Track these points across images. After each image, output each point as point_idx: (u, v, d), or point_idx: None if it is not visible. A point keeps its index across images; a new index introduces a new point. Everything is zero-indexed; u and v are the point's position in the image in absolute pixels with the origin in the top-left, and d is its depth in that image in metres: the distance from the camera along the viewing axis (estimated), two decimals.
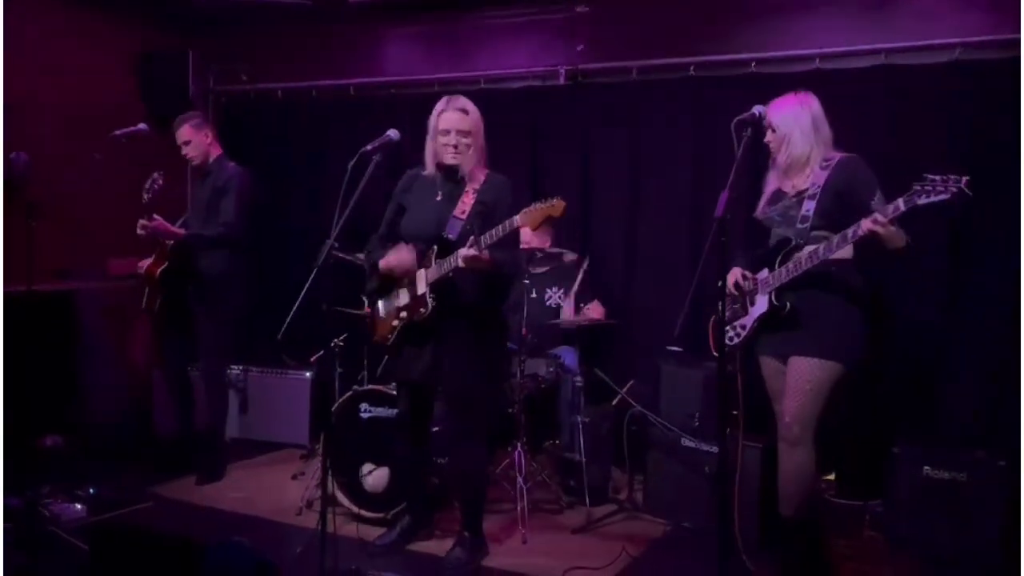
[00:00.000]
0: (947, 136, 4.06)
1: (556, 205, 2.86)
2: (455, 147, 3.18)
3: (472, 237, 3.00)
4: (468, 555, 3.33)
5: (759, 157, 3.12)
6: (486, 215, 3.14)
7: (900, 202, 2.65)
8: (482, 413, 3.34)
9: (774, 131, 3.05)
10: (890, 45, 4.16)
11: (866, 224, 2.75)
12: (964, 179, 2.53)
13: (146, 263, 4.31)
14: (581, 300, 4.56)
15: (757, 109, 2.71)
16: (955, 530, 3.43)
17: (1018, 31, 3.89)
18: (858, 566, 3.36)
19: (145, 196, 4.09)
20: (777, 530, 3.32)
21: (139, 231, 4.10)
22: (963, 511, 3.42)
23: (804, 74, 4.19)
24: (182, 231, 4.18)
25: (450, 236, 3.14)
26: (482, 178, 3.22)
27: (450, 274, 3.08)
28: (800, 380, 2.99)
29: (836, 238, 2.85)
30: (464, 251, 2.98)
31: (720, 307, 3.19)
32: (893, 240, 2.77)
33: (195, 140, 4.31)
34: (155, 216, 4.08)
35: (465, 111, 3.19)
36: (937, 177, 2.55)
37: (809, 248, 2.95)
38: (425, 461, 3.56)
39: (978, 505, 3.41)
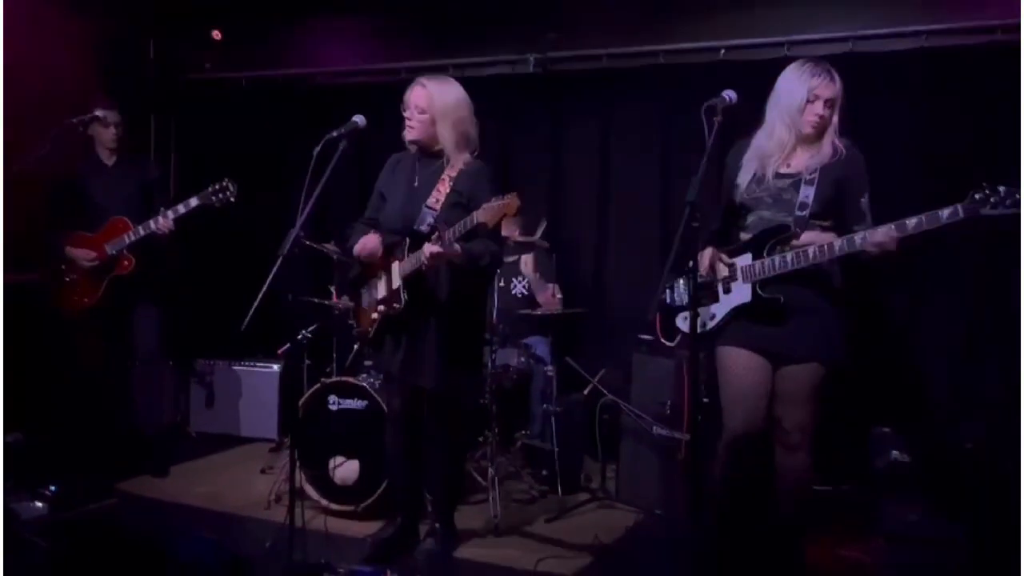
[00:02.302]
0: (913, 124, 4.10)
1: (510, 203, 2.79)
2: (408, 121, 3.11)
3: (436, 234, 2.93)
4: (440, 547, 3.29)
5: (727, 142, 3.07)
6: (462, 205, 3.04)
7: (959, 208, 2.50)
8: (458, 409, 3.28)
9: (830, 105, 2.82)
10: (858, 32, 4.18)
11: (882, 233, 2.61)
12: None
13: (92, 255, 4.14)
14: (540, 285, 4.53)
15: (727, 94, 2.62)
16: (923, 512, 3.46)
17: (986, 18, 3.93)
18: (831, 550, 3.38)
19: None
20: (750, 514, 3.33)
21: (166, 230, 3.99)
22: (931, 494, 3.46)
23: (774, 61, 4.19)
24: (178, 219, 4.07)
25: (421, 228, 3.07)
26: (460, 165, 3.10)
27: (422, 268, 2.99)
28: (802, 388, 2.85)
29: (840, 242, 2.70)
30: (429, 247, 2.90)
31: (677, 292, 3.09)
32: (892, 255, 2.66)
33: (122, 127, 4.24)
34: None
35: (423, 85, 3.09)
36: (1000, 188, 2.43)
37: (809, 239, 2.77)
38: (419, 466, 3.36)
39: (948, 487, 3.44)
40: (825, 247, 2.73)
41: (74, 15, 5.17)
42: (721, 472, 2.93)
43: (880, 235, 2.64)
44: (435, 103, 3.08)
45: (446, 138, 3.09)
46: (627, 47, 4.68)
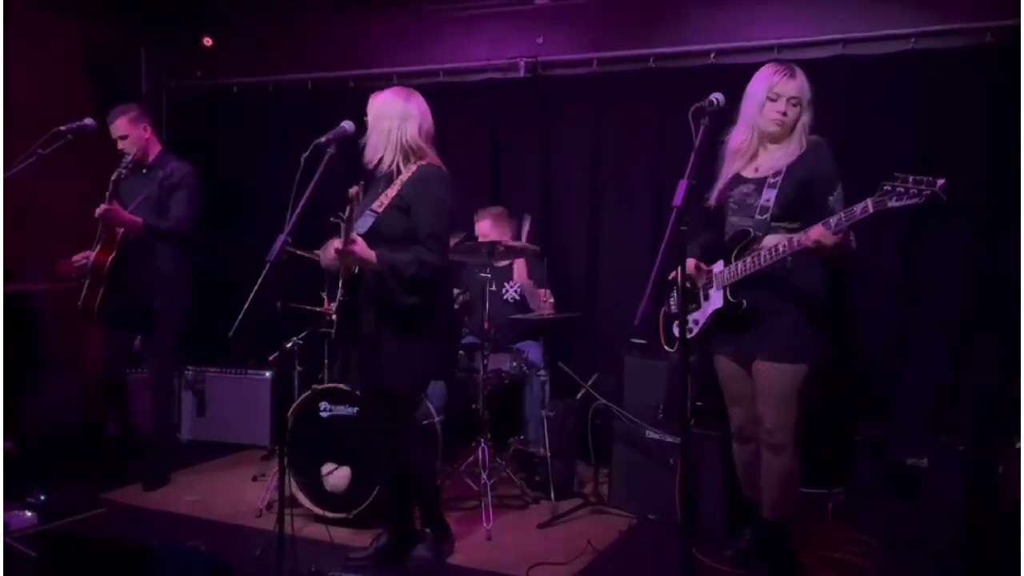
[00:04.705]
0: (903, 126, 4.10)
1: (352, 192, 2.83)
2: None
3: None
4: (432, 552, 3.25)
5: (716, 146, 3.07)
6: (401, 209, 3.02)
7: (869, 203, 2.53)
8: (402, 408, 3.19)
9: (794, 104, 2.87)
10: (848, 35, 4.18)
11: (813, 234, 2.68)
12: (940, 182, 2.41)
13: (85, 256, 4.13)
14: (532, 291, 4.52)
15: (715, 97, 2.60)
16: (917, 515, 3.46)
17: (976, 21, 3.94)
18: (822, 552, 3.37)
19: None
20: (742, 518, 3.33)
21: (97, 214, 3.95)
22: (924, 496, 3.46)
23: (763, 65, 4.19)
24: (139, 220, 4.05)
25: (360, 230, 3.04)
26: (413, 169, 3.07)
27: (354, 269, 3.01)
28: (774, 387, 2.89)
29: (789, 241, 2.77)
30: (333, 244, 2.91)
31: (674, 299, 3.18)
32: (838, 249, 2.70)
33: (132, 135, 4.19)
34: (112, 201, 3.95)
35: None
36: (910, 177, 2.43)
37: (769, 243, 2.83)
38: (403, 473, 3.31)
39: (939, 489, 3.45)
40: (773, 249, 2.79)
41: (62, 21, 5.17)
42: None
43: (813, 233, 2.69)
44: (370, 116, 3.11)
45: (376, 148, 3.08)
46: (617, 51, 4.69)
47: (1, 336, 3.73)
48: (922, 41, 4.06)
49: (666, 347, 3.28)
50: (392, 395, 3.14)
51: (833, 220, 2.66)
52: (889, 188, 2.48)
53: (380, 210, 3.04)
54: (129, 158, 4.10)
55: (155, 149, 4.31)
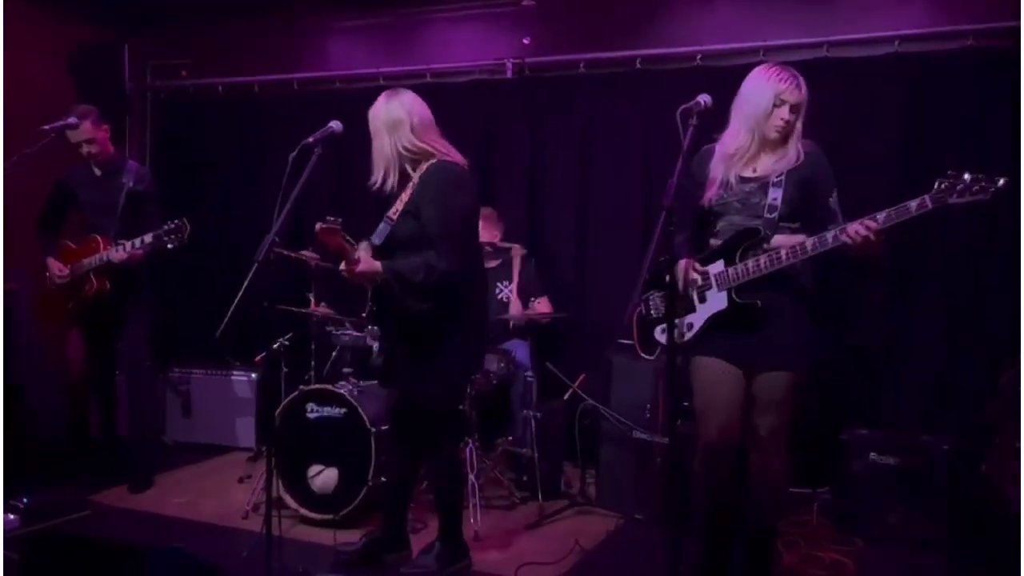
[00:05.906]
0: (888, 128, 4.14)
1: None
2: None
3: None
4: (434, 563, 3.14)
5: (704, 146, 3.08)
6: (412, 214, 2.95)
7: (927, 199, 2.43)
8: (430, 418, 3.11)
9: (795, 112, 2.77)
10: (832, 38, 4.22)
11: (855, 228, 2.55)
12: (1002, 180, 2.36)
13: (65, 273, 4.13)
14: (530, 295, 4.55)
15: (702, 98, 2.60)
16: (902, 514, 3.49)
17: (958, 24, 3.98)
18: (807, 551, 3.39)
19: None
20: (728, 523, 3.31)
21: (120, 258, 3.95)
22: (909, 495, 3.49)
23: (748, 67, 4.21)
24: (141, 252, 4.00)
25: (375, 241, 3.03)
26: (424, 169, 2.99)
27: (376, 280, 2.96)
28: (774, 395, 2.81)
29: (812, 241, 2.65)
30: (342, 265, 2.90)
31: (652, 302, 3.03)
32: (875, 248, 2.57)
33: (98, 137, 4.15)
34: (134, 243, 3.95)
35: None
36: (965, 175, 2.39)
37: (786, 242, 2.73)
38: (410, 474, 3.30)
39: (924, 489, 3.48)
40: (798, 248, 2.69)
41: (45, 22, 5.13)
42: (699, 480, 2.91)
43: (851, 230, 2.59)
44: (370, 127, 3.04)
45: (376, 168, 3.01)
46: (604, 53, 4.71)
47: (1, 339, 3.68)
48: (905, 44, 4.10)
49: (643, 354, 3.08)
50: (419, 404, 3.10)
51: (881, 216, 2.53)
52: (947, 185, 2.42)
53: (395, 217, 2.98)
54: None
55: (110, 150, 4.26)
